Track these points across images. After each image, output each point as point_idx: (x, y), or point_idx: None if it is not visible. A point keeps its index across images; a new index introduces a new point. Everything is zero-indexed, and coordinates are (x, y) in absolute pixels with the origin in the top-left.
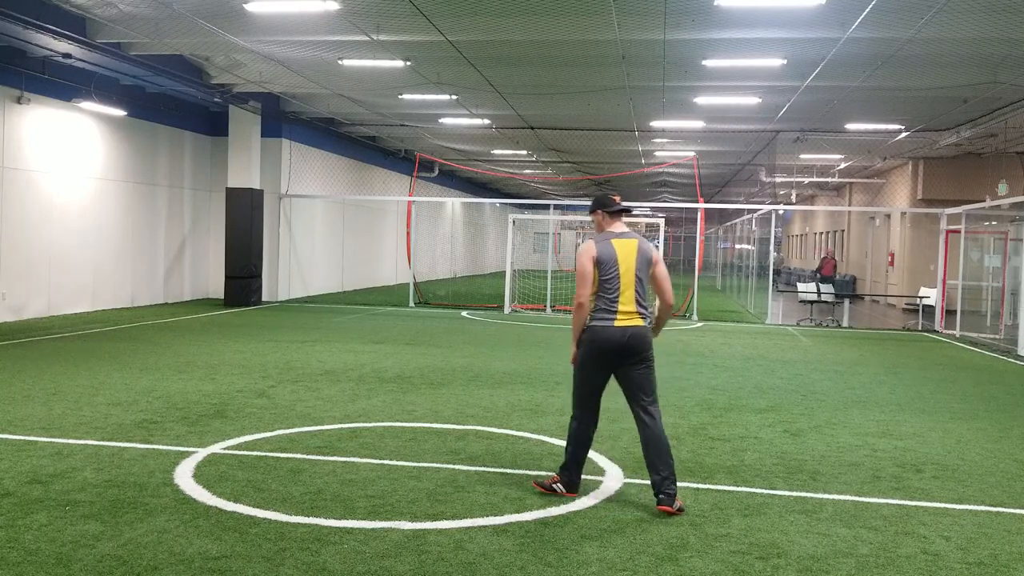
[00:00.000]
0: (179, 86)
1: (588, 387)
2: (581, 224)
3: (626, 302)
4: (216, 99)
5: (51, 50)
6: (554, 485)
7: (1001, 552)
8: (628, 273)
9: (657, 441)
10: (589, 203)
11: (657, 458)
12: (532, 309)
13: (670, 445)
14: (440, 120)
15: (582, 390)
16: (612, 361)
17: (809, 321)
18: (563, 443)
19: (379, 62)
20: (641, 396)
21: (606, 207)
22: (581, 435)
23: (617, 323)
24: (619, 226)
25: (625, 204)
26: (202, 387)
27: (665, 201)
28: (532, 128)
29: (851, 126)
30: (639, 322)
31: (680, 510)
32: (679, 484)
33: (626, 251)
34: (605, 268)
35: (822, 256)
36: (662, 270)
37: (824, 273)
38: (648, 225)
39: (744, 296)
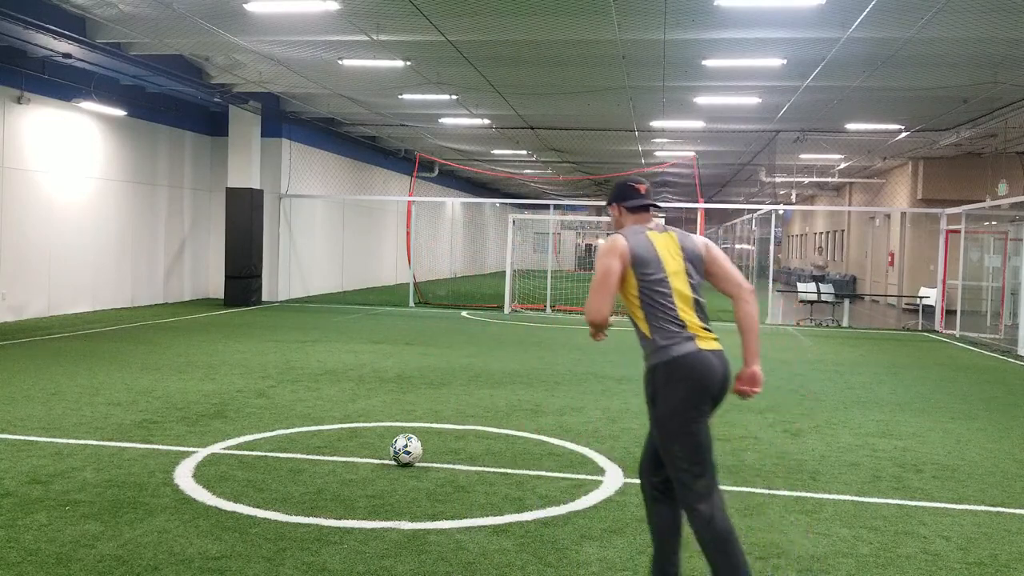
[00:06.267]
0: (179, 86)
1: (701, 439)
2: (581, 224)
3: (690, 317)
4: (216, 99)
5: (51, 50)
6: None
7: (1001, 552)
8: (679, 276)
9: (723, 534)
10: (589, 203)
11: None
12: (532, 309)
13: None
14: (440, 120)
15: (699, 446)
16: (711, 400)
17: (809, 321)
18: (561, 442)
19: (379, 62)
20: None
21: (625, 200)
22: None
23: (702, 345)
24: (647, 222)
25: (650, 200)
26: (202, 387)
27: (665, 201)
28: (532, 128)
29: (851, 126)
30: (718, 345)
31: None
32: None
33: (668, 247)
34: (644, 270)
35: None
36: (718, 255)
37: None
38: None
39: None
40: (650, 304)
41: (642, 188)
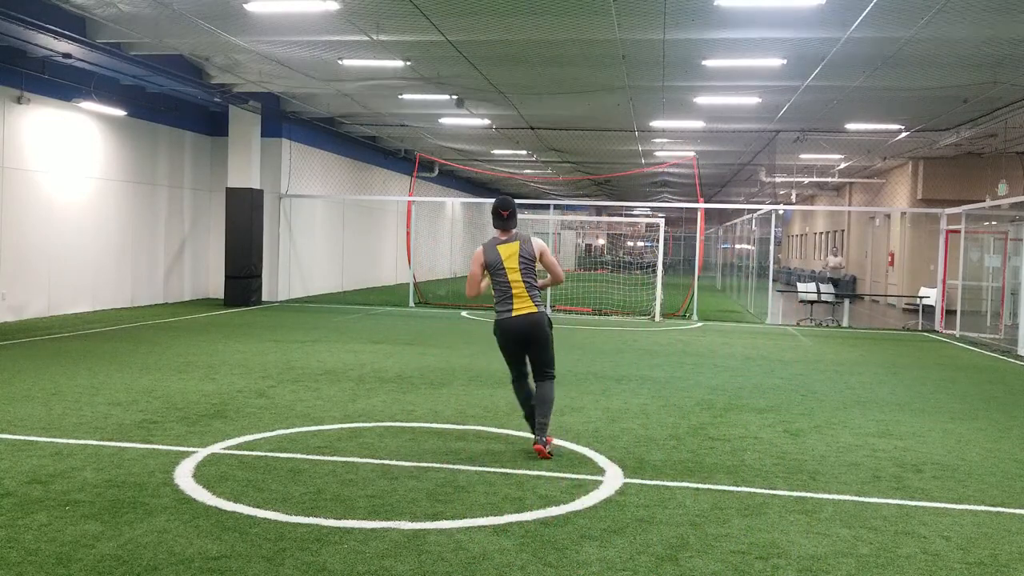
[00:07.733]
0: (179, 86)
1: (508, 358)
2: (581, 224)
3: (518, 297)
4: (216, 99)
5: (51, 50)
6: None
7: (1001, 552)
8: (514, 271)
9: (544, 399)
10: (589, 203)
11: (541, 412)
12: None
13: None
14: (440, 120)
15: (508, 360)
16: (518, 342)
17: (809, 321)
18: (562, 442)
19: (379, 62)
20: (542, 367)
21: (494, 219)
22: (520, 391)
23: (514, 313)
24: (504, 234)
25: (507, 222)
26: (202, 387)
27: (665, 201)
28: (532, 128)
29: (851, 126)
30: (530, 309)
31: (550, 455)
32: (680, 484)
33: (510, 251)
34: (493, 268)
35: None
36: (546, 253)
37: None
38: (648, 225)
39: (744, 296)
40: (496, 287)
41: (504, 213)
